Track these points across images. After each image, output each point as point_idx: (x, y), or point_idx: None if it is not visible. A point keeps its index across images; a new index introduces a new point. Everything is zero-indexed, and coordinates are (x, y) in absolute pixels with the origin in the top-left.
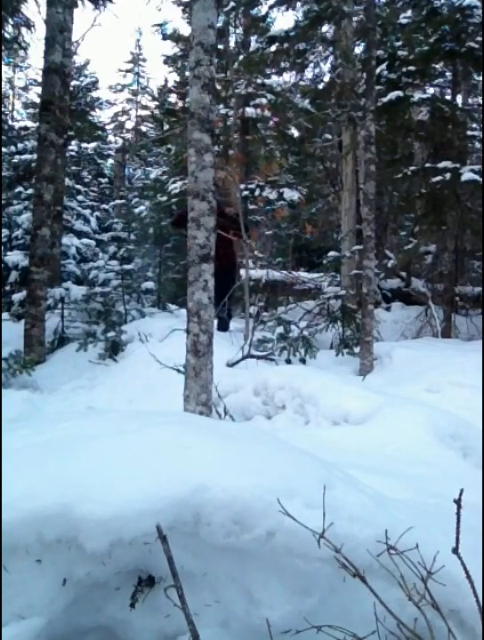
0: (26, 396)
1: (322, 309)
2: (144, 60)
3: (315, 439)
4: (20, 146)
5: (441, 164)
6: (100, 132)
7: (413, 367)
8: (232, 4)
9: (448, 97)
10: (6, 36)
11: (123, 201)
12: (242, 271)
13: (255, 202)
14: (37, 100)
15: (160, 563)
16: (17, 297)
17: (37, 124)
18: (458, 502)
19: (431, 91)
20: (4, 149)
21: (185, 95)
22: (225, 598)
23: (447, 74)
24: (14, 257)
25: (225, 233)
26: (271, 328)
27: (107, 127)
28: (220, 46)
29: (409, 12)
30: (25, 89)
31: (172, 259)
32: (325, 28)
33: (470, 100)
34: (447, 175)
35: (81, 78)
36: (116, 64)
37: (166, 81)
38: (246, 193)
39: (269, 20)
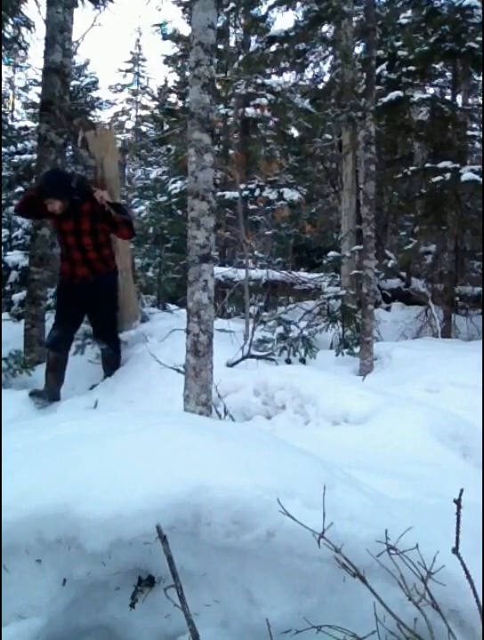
0: (26, 396)
1: (322, 309)
2: (144, 60)
3: (315, 439)
4: (20, 146)
5: (441, 164)
6: None
7: (413, 367)
8: (232, 4)
9: (448, 97)
10: (6, 36)
11: (123, 201)
12: (242, 271)
13: (255, 202)
14: (37, 100)
15: (160, 563)
16: (17, 297)
17: (37, 123)
18: (458, 502)
19: (431, 91)
20: (4, 149)
21: (185, 95)
22: (225, 598)
23: (447, 74)
24: (14, 257)
25: (90, 225)
26: (271, 328)
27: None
28: (220, 46)
29: (409, 12)
30: (25, 89)
31: (172, 259)
32: (325, 28)
33: (470, 100)
34: (447, 175)
35: (81, 78)
36: (116, 64)
37: (166, 81)
38: (246, 193)
39: (269, 20)
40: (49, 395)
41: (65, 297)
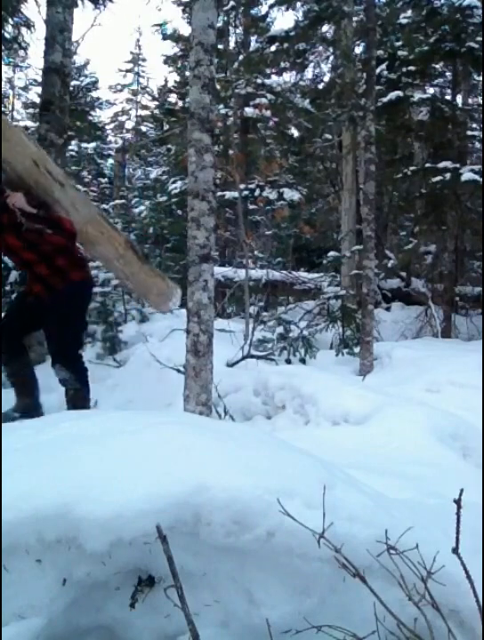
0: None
1: (322, 309)
2: (144, 60)
3: (315, 439)
4: None
5: (441, 164)
6: (99, 132)
7: (413, 367)
8: (232, 3)
9: (448, 97)
10: (6, 35)
11: (123, 201)
12: (242, 271)
13: (255, 202)
14: (37, 100)
15: (160, 563)
16: None
17: (37, 123)
18: (458, 502)
19: (431, 91)
20: None
21: (185, 95)
22: (225, 598)
23: (447, 74)
24: None
25: (20, 240)
26: (271, 328)
27: (107, 127)
28: (220, 46)
29: (409, 12)
30: (25, 89)
31: (172, 259)
32: (325, 28)
33: (470, 100)
34: (447, 175)
35: (81, 78)
36: (116, 64)
37: (166, 81)
38: (246, 193)
39: (269, 19)
40: (28, 408)
41: (18, 313)
